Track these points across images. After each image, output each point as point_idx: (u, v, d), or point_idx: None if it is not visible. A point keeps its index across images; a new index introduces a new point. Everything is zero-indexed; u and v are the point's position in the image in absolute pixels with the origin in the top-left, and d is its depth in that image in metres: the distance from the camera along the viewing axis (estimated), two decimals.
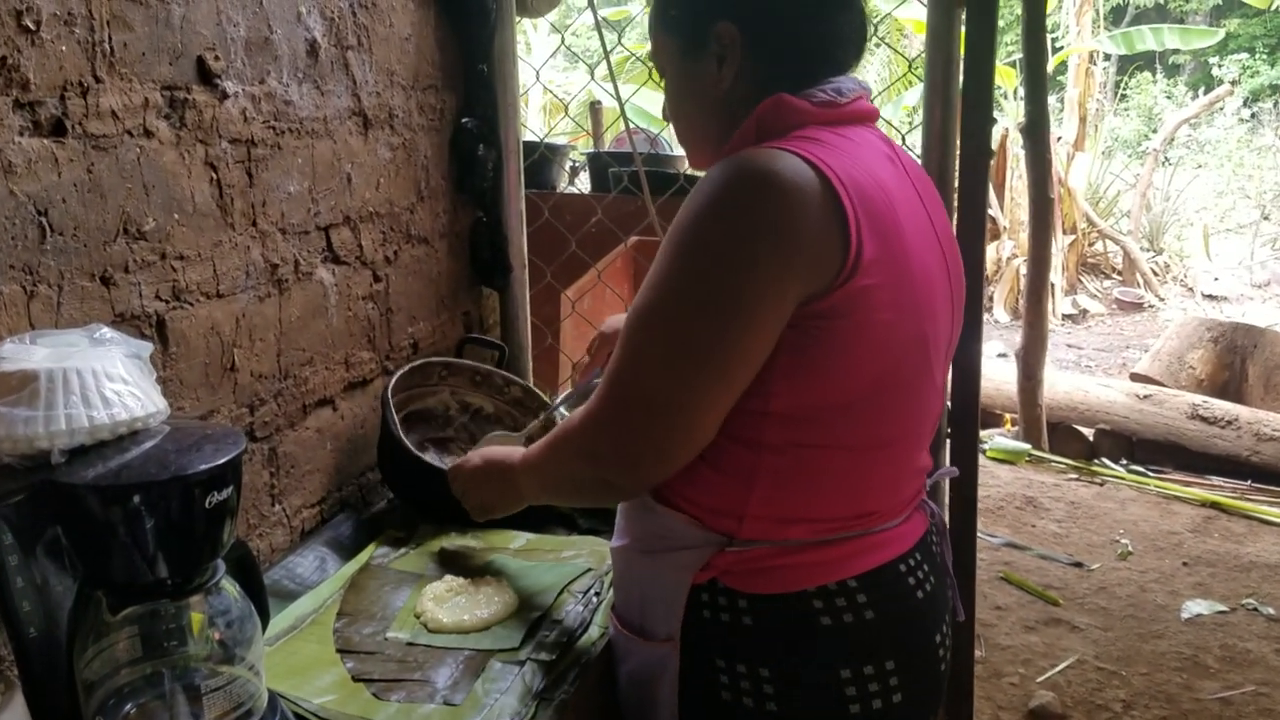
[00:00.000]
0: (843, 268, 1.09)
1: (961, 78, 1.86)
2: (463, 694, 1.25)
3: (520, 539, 1.67)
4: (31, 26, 1.14)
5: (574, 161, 4.05)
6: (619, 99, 2.25)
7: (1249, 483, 4.81)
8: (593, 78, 2.92)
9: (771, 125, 1.19)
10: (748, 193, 1.09)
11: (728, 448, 1.16)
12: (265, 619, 1.23)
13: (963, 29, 1.84)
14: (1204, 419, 5.00)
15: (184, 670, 1.12)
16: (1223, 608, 3.59)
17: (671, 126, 1.34)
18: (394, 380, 1.82)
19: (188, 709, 1.11)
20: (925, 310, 1.19)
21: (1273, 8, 9.60)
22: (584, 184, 3.67)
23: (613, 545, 1.39)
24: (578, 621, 1.43)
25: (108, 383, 1.07)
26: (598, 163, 3.34)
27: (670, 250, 1.13)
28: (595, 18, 2.14)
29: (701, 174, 1.19)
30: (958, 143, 1.89)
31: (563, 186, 3.33)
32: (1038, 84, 4.64)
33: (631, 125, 2.93)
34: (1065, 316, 9.39)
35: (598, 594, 1.51)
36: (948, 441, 1.94)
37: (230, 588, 1.13)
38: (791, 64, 1.22)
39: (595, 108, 4.53)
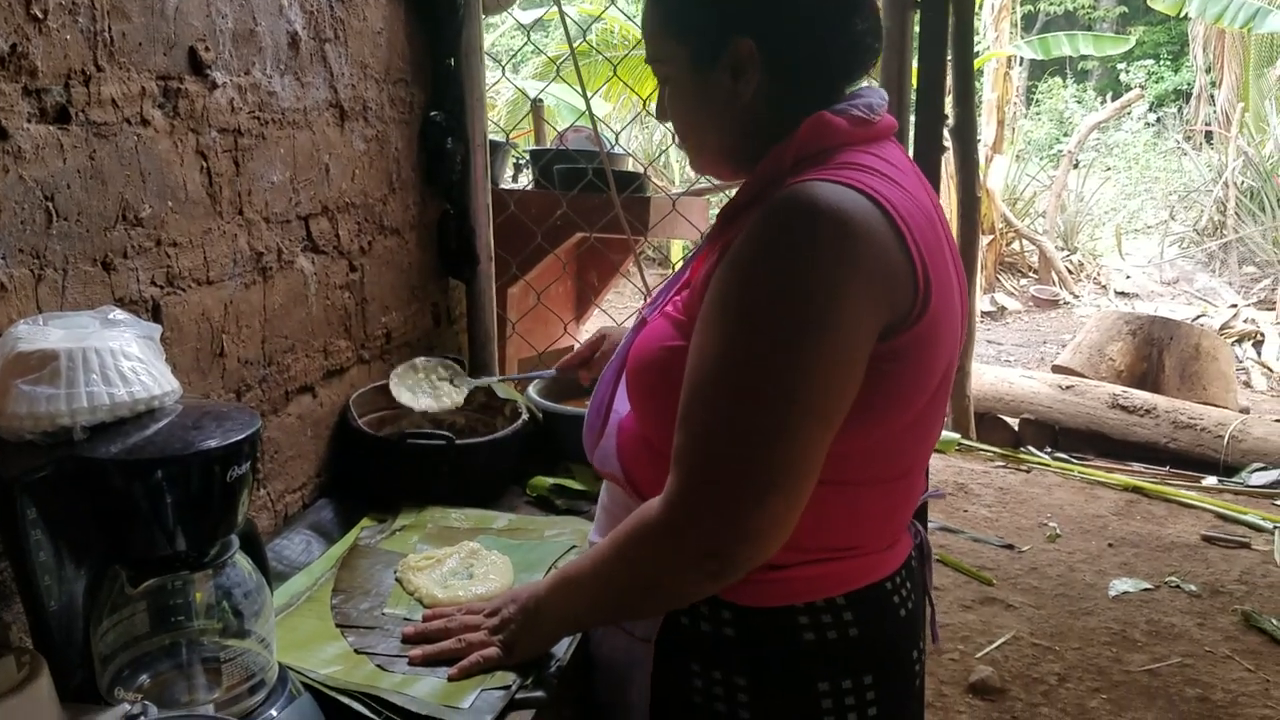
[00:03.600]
0: (913, 308, 1.07)
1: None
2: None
3: (502, 519, 1.72)
4: (39, 15, 1.15)
5: (517, 159, 4.08)
6: (586, 98, 2.30)
7: (1167, 468, 5.05)
8: (557, 73, 2.96)
9: (810, 147, 1.14)
10: (827, 235, 1.03)
11: None
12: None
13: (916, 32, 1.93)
14: (1124, 408, 5.22)
15: (198, 642, 1.15)
16: (1147, 585, 3.76)
17: (673, 129, 1.27)
18: (357, 394, 1.86)
19: (204, 680, 1.14)
20: (955, 340, 1.17)
21: (1182, 13, 9.99)
22: (526, 182, 3.71)
23: (593, 538, 1.41)
24: None
25: (125, 361, 1.10)
26: (544, 160, 3.37)
27: (740, 302, 1.06)
28: (564, 19, 2.19)
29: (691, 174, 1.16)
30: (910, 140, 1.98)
31: (505, 182, 3.35)
32: (965, 86, 4.80)
33: (583, 125, 2.99)
34: (984, 314, 9.65)
35: None
36: None
37: (244, 561, 1.16)
38: (810, 78, 1.19)
39: (536, 105, 4.56)
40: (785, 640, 1.19)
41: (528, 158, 3.69)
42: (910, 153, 1.97)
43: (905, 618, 1.25)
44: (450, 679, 1.25)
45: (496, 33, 13.05)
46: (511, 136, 5.94)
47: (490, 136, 3.19)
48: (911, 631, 1.27)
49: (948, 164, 6.63)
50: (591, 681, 1.41)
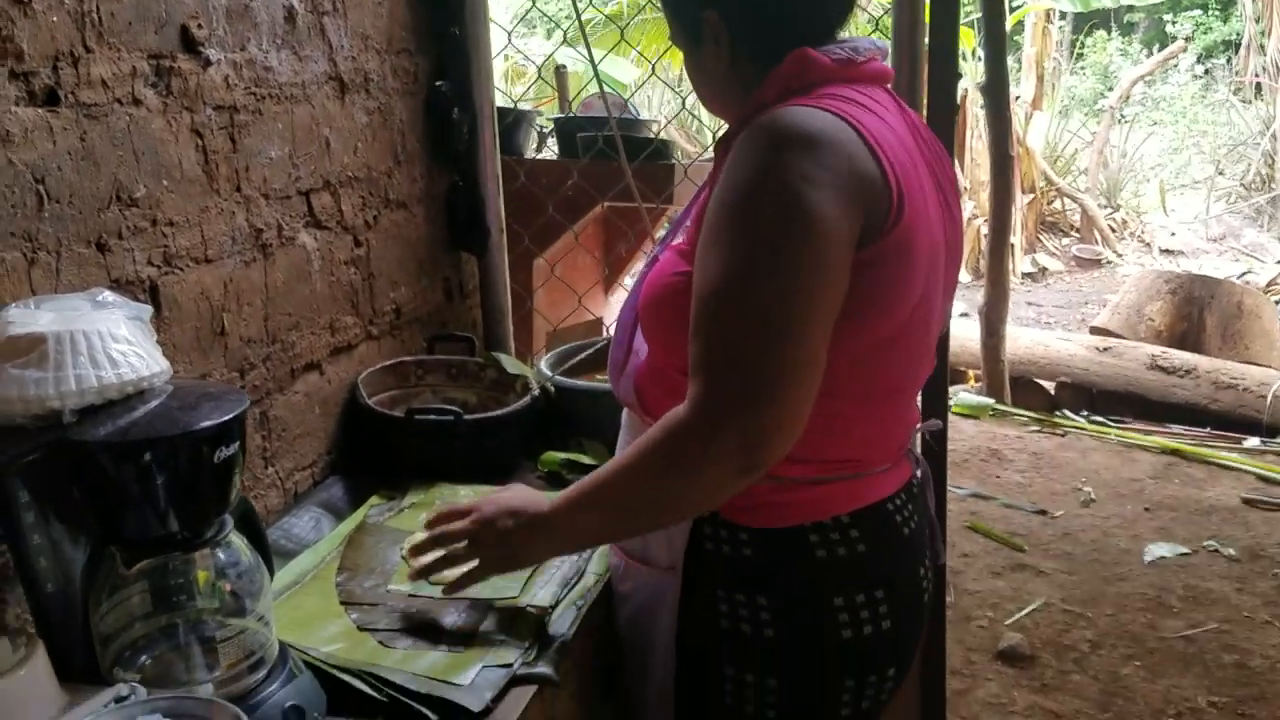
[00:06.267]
0: (888, 215, 1.14)
1: (927, 36, 1.91)
2: (465, 640, 1.30)
3: None
4: None
5: (540, 127, 4.04)
6: (593, 62, 2.27)
7: (1208, 430, 4.94)
8: (565, 40, 2.92)
9: (795, 82, 1.22)
10: (797, 148, 1.12)
11: None
12: (270, 572, 1.27)
13: None
14: (1163, 369, 5.12)
15: (196, 622, 1.16)
16: (1184, 550, 3.70)
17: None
18: (366, 374, 1.87)
19: (202, 659, 1.15)
20: (933, 267, 1.25)
21: None
22: (550, 150, 3.68)
23: None
24: (574, 570, 1.47)
25: (113, 343, 1.10)
26: (565, 128, 3.34)
27: (732, 219, 1.14)
28: None
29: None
30: (924, 99, 1.93)
31: (529, 151, 3.33)
32: (996, 43, 4.71)
33: (611, 91, 2.95)
34: (1025, 275, 9.49)
35: None
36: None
37: (239, 541, 1.16)
38: (772, 40, 1.26)
39: (560, 72, 4.52)
40: (799, 559, 1.28)
41: (551, 126, 3.66)
42: (924, 113, 1.93)
43: (909, 536, 1.36)
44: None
45: None
46: (538, 104, 5.91)
47: (517, 105, 3.18)
48: (916, 549, 1.38)
49: (979, 123, 6.51)
50: (613, 629, 1.46)
